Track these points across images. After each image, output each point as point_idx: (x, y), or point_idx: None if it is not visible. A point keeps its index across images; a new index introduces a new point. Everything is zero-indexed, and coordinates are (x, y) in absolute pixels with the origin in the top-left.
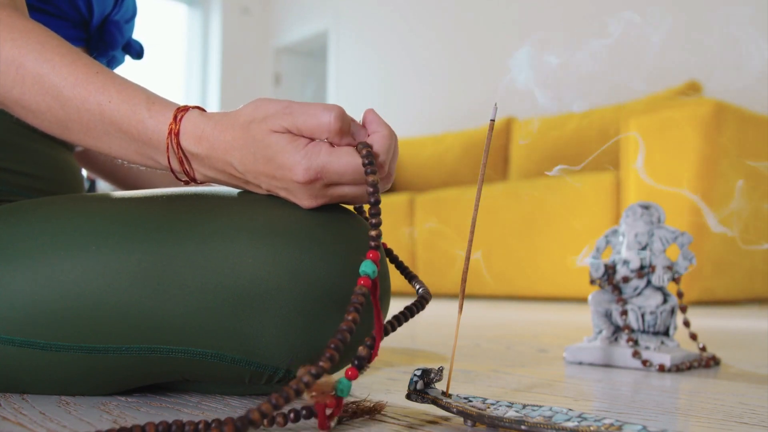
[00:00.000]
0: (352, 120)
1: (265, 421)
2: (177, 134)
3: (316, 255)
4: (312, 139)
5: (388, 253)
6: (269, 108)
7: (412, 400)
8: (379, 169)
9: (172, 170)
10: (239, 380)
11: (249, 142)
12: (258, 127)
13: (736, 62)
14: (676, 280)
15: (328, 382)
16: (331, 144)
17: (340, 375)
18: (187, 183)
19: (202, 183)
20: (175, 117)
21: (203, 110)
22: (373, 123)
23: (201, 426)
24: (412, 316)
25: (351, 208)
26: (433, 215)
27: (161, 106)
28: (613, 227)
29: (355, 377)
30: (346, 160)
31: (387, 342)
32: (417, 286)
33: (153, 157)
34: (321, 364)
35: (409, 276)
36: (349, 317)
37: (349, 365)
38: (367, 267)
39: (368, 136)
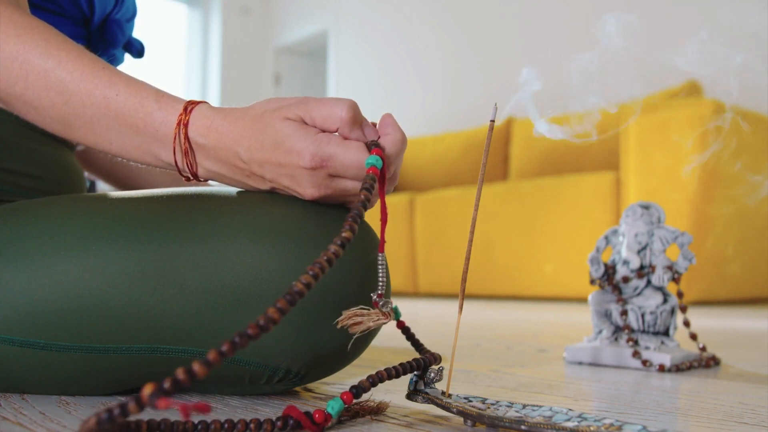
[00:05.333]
0: (365, 119)
1: (253, 426)
2: (186, 125)
3: (316, 255)
4: (323, 131)
5: (400, 324)
6: (284, 101)
7: (412, 400)
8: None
9: (176, 164)
10: (239, 380)
11: (259, 129)
12: (272, 115)
13: (737, 62)
14: (676, 280)
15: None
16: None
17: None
18: (187, 180)
19: (203, 180)
20: (186, 109)
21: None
22: (389, 126)
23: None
24: (419, 368)
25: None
26: (433, 215)
27: (170, 99)
28: (613, 227)
29: (350, 402)
30: (353, 154)
31: (387, 342)
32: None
33: (155, 152)
34: (344, 234)
35: (419, 347)
36: (362, 195)
37: (348, 390)
38: (371, 159)
39: (379, 137)
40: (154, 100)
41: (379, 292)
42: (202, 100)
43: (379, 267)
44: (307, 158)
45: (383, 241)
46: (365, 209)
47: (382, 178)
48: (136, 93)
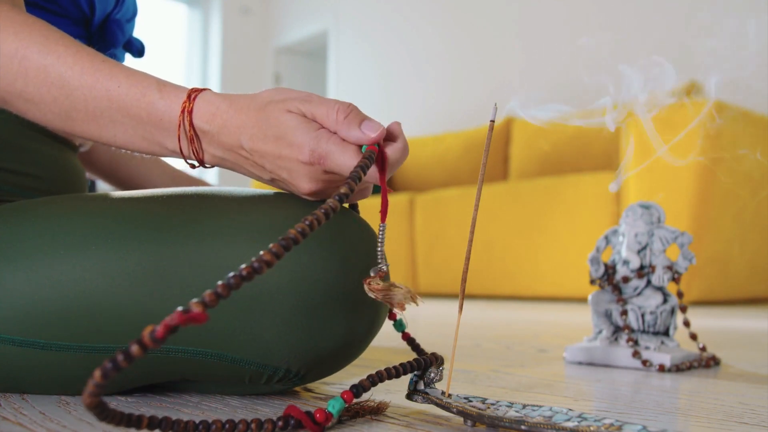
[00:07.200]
0: (366, 117)
1: (254, 426)
2: (191, 112)
3: (316, 255)
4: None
5: (405, 336)
6: (290, 93)
7: (412, 400)
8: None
9: (181, 152)
10: (239, 380)
11: (262, 120)
12: (275, 107)
13: (736, 62)
14: (676, 280)
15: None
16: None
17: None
18: (193, 167)
19: (209, 167)
20: (189, 96)
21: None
22: (394, 134)
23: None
24: (419, 368)
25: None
26: (433, 215)
27: (172, 88)
28: (613, 227)
29: (350, 401)
30: (348, 156)
31: (387, 342)
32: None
33: (160, 141)
34: (342, 191)
35: (420, 353)
36: (358, 170)
37: (348, 389)
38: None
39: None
40: (156, 89)
41: (380, 263)
42: (205, 88)
43: (379, 237)
44: (306, 153)
45: (385, 211)
46: (359, 180)
47: (382, 168)
48: (137, 84)
